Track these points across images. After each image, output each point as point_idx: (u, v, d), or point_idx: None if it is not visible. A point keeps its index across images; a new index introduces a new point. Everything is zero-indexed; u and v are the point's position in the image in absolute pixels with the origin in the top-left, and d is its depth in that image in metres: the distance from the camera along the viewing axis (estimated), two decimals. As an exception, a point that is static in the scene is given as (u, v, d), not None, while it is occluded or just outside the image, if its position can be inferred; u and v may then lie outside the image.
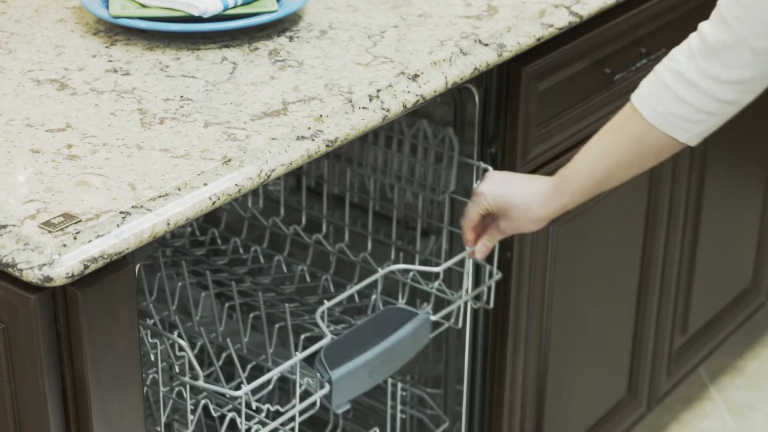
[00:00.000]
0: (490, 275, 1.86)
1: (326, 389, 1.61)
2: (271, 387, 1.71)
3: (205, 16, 1.71)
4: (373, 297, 1.83)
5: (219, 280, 1.97)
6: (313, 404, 1.64)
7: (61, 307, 1.32)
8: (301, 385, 1.62)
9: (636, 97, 1.49)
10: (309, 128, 1.51)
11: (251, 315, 1.79)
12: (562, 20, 1.82)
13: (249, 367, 1.73)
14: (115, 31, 1.74)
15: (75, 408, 1.36)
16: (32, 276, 1.27)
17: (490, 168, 1.79)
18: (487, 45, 1.73)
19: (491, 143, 1.83)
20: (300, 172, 2.05)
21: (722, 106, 1.43)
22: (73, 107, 1.55)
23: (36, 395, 1.34)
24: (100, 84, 1.60)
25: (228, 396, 1.57)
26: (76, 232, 1.30)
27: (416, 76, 1.64)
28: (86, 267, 1.29)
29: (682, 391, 2.64)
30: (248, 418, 1.63)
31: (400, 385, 2.07)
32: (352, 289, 1.71)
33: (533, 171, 1.86)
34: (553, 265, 1.98)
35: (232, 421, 1.64)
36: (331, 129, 1.53)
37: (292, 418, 1.62)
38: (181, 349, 1.53)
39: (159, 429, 1.62)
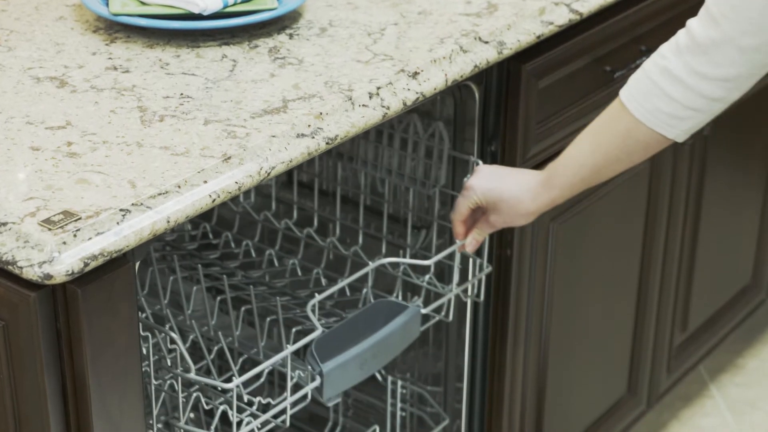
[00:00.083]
0: (481, 268, 1.86)
1: (317, 382, 1.62)
2: (262, 380, 1.72)
3: (205, 13, 1.71)
4: (364, 290, 1.84)
5: (211, 274, 1.97)
6: (305, 397, 1.65)
7: (61, 304, 1.32)
8: (292, 378, 1.63)
9: (624, 93, 1.49)
10: (309, 126, 1.51)
11: (243, 309, 1.79)
12: (562, 18, 1.82)
13: (240, 360, 1.73)
14: (115, 28, 1.74)
15: (75, 405, 1.36)
16: (32, 273, 1.27)
17: (480, 162, 1.79)
18: (487, 42, 1.73)
19: (491, 141, 1.83)
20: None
21: (709, 103, 1.44)
22: (73, 105, 1.55)
23: (36, 393, 1.34)
24: (100, 81, 1.60)
25: (219, 389, 1.57)
26: (76, 230, 1.30)
27: (416, 73, 1.64)
28: (86, 264, 1.29)
29: (682, 389, 2.64)
30: (240, 411, 1.64)
31: (400, 382, 2.07)
32: (342, 283, 1.72)
33: (533, 168, 1.86)
34: (553, 262, 1.98)
35: (225, 415, 1.64)
36: (331, 126, 1.53)
37: (284, 411, 1.63)
38: (172, 342, 1.54)
39: (151, 422, 1.62)
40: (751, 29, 1.37)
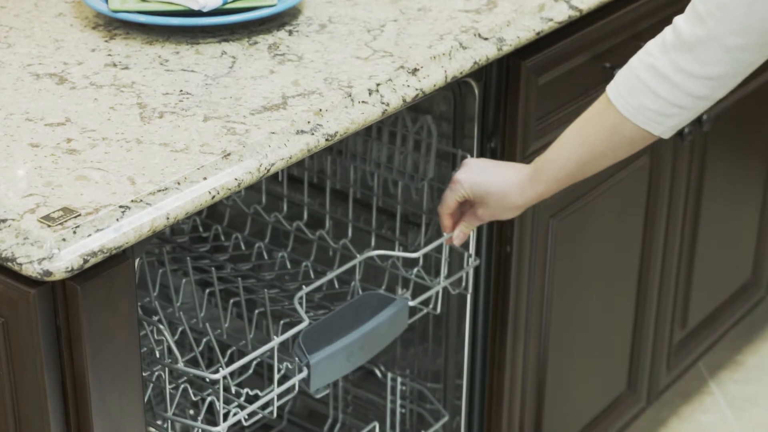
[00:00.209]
0: (468, 262, 1.87)
1: (304, 373, 1.63)
2: (250, 372, 1.73)
3: (205, 10, 1.71)
4: (353, 283, 1.84)
5: (200, 266, 1.98)
6: (292, 388, 1.65)
7: (60, 301, 1.32)
8: (279, 370, 1.63)
9: (611, 89, 1.50)
10: (308, 122, 1.51)
11: (231, 301, 1.80)
12: (561, 14, 1.82)
13: (229, 352, 1.74)
14: (115, 25, 1.74)
15: (74, 402, 1.36)
16: (32, 270, 1.27)
17: (468, 155, 1.80)
18: (486, 39, 1.73)
19: (491, 137, 1.83)
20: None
21: (695, 101, 1.44)
22: (73, 101, 1.54)
23: (35, 390, 1.34)
24: (99, 78, 1.60)
25: (207, 380, 1.58)
26: (76, 227, 1.30)
27: (416, 70, 1.64)
28: (86, 261, 1.29)
29: (682, 386, 2.64)
30: (228, 402, 1.65)
31: (399, 379, 2.07)
32: (330, 275, 1.73)
33: (533, 165, 1.87)
34: (552, 258, 1.98)
35: (214, 407, 1.65)
36: (330, 123, 1.53)
37: (271, 402, 1.64)
38: (160, 333, 1.54)
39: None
40: (736, 28, 1.37)
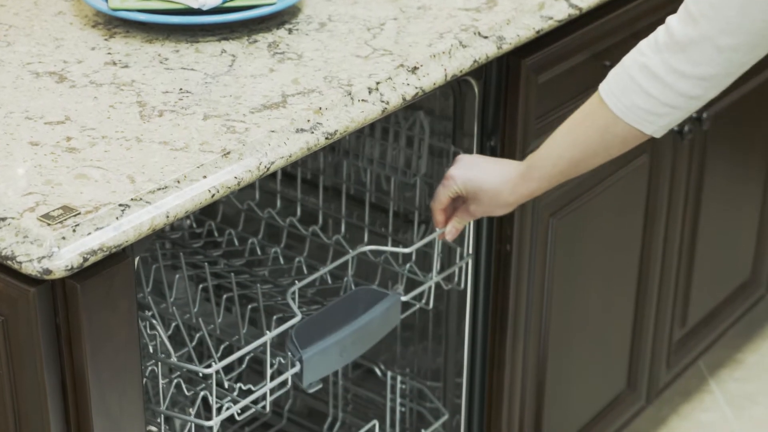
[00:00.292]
0: (461, 257, 1.87)
1: (297, 368, 1.63)
2: (243, 366, 1.73)
3: (204, 8, 1.71)
4: (346, 279, 1.85)
5: (193, 262, 1.98)
6: (285, 383, 1.66)
7: (60, 299, 1.31)
8: (272, 365, 1.64)
9: (603, 87, 1.50)
10: (308, 121, 1.51)
11: (224, 296, 1.80)
12: (561, 13, 1.82)
13: (222, 347, 1.74)
14: (114, 23, 1.74)
15: (74, 400, 1.36)
16: (31, 269, 1.27)
17: (461, 151, 1.80)
18: (486, 37, 1.73)
19: (491, 136, 1.83)
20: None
21: (687, 100, 1.45)
22: (72, 100, 1.54)
23: (35, 388, 1.34)
24: (99, 76, 1.60)
25: (201, 374, 1.58)
26: (76, 225, 1.30)
27: (415, 68, 1.64)
28: (85, 260, 1.29)
29: (682, 384, 2.64)
30: (221, 397, 1.65)
31: (399, 378, 2.08)
32: (323, 270, 1.74)
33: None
34: (552, 257, 1.98)
35: (207, 402, 1.65)
36: (330, 121, 1.53)
37: (264, 397, 1.64)
38: (152, 328, 1.55)
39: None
40: (729, 28, 1.37)
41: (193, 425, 1.61)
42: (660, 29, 1.44)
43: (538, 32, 1.78)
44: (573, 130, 1.55)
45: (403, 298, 1.78)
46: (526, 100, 1.81)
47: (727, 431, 2.57)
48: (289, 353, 1.64)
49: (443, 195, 1.69)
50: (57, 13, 1.78)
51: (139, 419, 1.42)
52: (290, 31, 1.73)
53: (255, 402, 1.65)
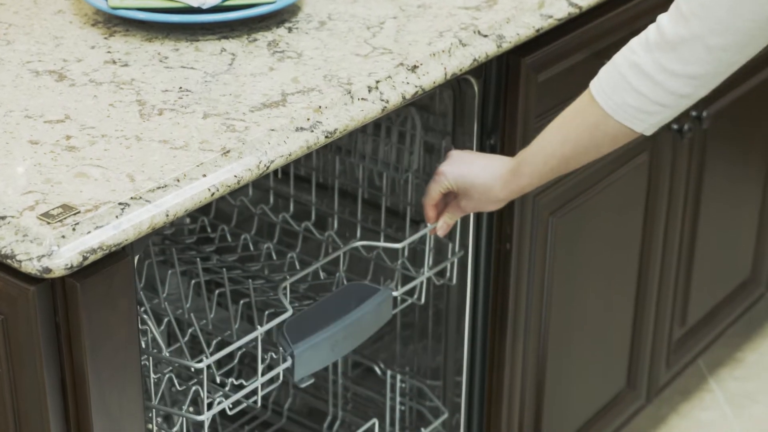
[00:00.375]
0: (453, 252, 1.87)
1: (288, 362, 1.64)
2: (236, 361, 1.74)
3: (204, 7, 1.71)
4: (338, 274, 1.85)
5: (186, 258, 1.98)
6: (277, 377, 1.66)
7: (60, 298, 1.31)
8: (264, 360, 1.64)
9: (594, 85, 1.50)
10: (308, 119, 1.51)
11: (217, 292, 1.80)
12: (561, 11, 1.82)
13: (214, 342, 1.75)
14: (114, 22, 1.74)
15: (74, 399, 1.36)
16: (31, 267, 1.27)
17: (453, 147, 1.81)
18: (486, 36, 1.73)
19: (490, 134, 1.83)
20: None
21: (677, 99, 1.45)
22: (72, 98, 1.54)
23: (35, 387, 1.34)
24: (98, 75, 1.60)
25: (192, 369, 1.59)
26: (75, 224, 1.30)
27: (415, 67, 1.64)
28: (85, 258, 1.28)
29: (681, 383, 2.64)
30: (213, 392, 1.66)
31: (399, 376, 2.08)
32: (315, 265, 1.75)
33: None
34: (552, 256, 1.98)
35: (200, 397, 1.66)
36: (330, 120, 1.53)
37: (255, 392, 1.64)
38: (144, 323, 1.55)
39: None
40: (719, 28, 1.38)
41: (185, 420, 1.62)
42: (651, 27, 1.44)
43: (537, 31, 1.78)
44: (564, 127, 1.56)
45: (395, 294, 1.78)
46: (526, 99, 1.81)
47: (727, 430, 2.57)
48: (281, 348, 1.65)
49: (434, 191, 1.70)
50: (57, 12, 1.77)
51: (139, 417, 1.42)
52: (290, 29, 1.73)
53: (247, 397, 1.66)
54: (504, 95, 1.81)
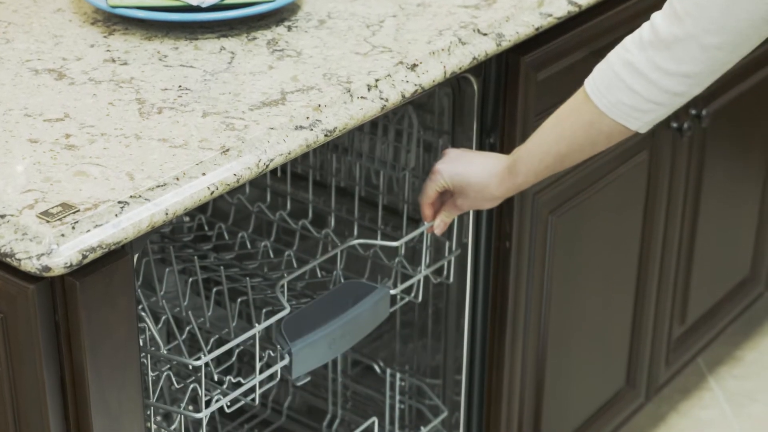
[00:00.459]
0: (450, 251, 1.88)
1: (286, 360, 1.64)
2: (233, 359, 1.74)
3: (203, 5, 1.71)
4: (335, 272, 1.85)
5: (183, 256, 1.98)
6: (275, 375, 1.67)
7: (59, 296, 1.31)
8: (262, 357, 1.65)
9: (589, 83, 1.51)
10: (307, 118, 1.51)
11: (214, 290, 1.81)
12: (561, 10, 1.82)
13: (212, 340, 1.75)
14: (113, 20, 1.74)
15: (74, 398, 1.36)
16: (30, 266, 1.27)
17: (449, 146, 1.81)
18: (485, 35, 1.73)
19: (490, 133, 1.83)
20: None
21: (671, 97, 1.45)
22: (71, 97, 1.54)
23: (34, 385, 1.34)
24: (98, 74, 1.60)
25: (191, 367, 1.59)
26: (75, 222, 1.30)
27: (415, 65, 1.64)
28: (84, 257, 1.28)
29: (681, 381, 2.64)
30: (211, 389, 1.66)
31: (398, 375, 2.08)
32: (312, 263, 1.75)
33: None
34: (551, 254, 1.98)
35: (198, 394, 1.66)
36: (329, 119, 1.53)
37: (254, 389, 1.64)
38: (142, 321, 1.55)
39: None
40: (713, 28, 1.38)
41: (184, 418, 1.62)
42: (645, 26, 1.45)
43: (537, 29, 1.78)
44: (559, 125, 1.56)
45: (392, 292, 1.79)
46: (525, 98, 1.81)
47: (726, 428, 2.57)
48: (279, 346, 1.65)
49: (430, 189, 1.70)
50: (56, 10, 1.77)
51: (139, 416, 1.42)
52: (289, 28, 1.73)
53: (245, 395, 1.66)
54: (503, 94, 1.81)
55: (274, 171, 2.06)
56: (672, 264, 2.33)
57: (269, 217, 1.99)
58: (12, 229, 1.29)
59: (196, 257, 1.75)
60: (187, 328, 1.73)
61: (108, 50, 1.66)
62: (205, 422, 1.60)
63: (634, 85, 1.45)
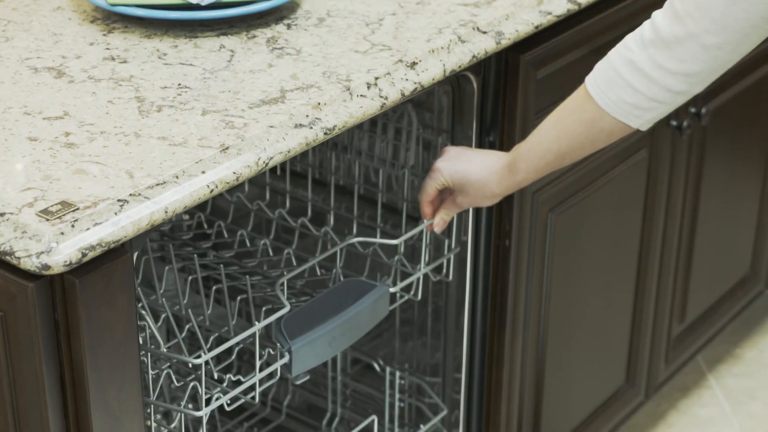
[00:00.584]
0: (449, 249, 1.88)
1: (286, 358, 1.64)
2: (233, 357, 1.74)
3: (203, 3, 1.71)
4: (335, 270, 1.85)
5: (182, 254, 1.98)
6: (275, 373, 1.67)
7: (59, 295, 1.31)
8: (262, 356, 1.65)
9: (590, 81, 1.51)
10: (307, 116, 1.51)
11: (214, 288, 1.81)
12: (560, 8, 1.82)
13: (212, 338, 1.75)
14: (113, 18, 1.74)
15: (73, 396, 1.36)
16: (30, 264, 1.27)
17: (448, 144, 1.81)
18: (485, 33, 1.73)
19: (489, 131, 1.83)
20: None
21: (672, 95, 1.46)
22: (71, 95, 1.54)
23: (34, 383, 1.34)
24: (97, 72, 1.60)
25: (190, 365, 1.59)
26: (74, 220, 1.29)
27: (414, 63, 1.64)
28: (84, 255, 1.28)
29: (681, 380, 2.64)
30: (211, 388, 1.66)
31: (398, 373, 2.08)
32: (311, 261, 1.75)
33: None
34: (551, 252, 1.98)
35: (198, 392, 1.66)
36: (329, 117, 1.53)
37: (253, 388, 1.65)
38: (141, 319, 1.55)
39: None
40: (713, 28, 1.38)
41: (184, 416, 1.62)
42: (646, 24, 1.45)
43: (537, 27, 1.78)
44: (559, 122, 1.56)
45: (392, 290, 1.79)
46: (525, 96, 1.81)
47: (726, 426, 2.58)
48: (278, 344, 1.65)
49: (430, 187, 1.70)
50: (56, 9, 1.77)
51: (138, 414, 1.42)
52: (289, 26, 1.73)
53: (245, 393, 1.66)
54: (503, 92, 1.81)
55: (273, 169, 2.06)
56: (671, 262, 2.33)
57: (269, 215, 1.99)
58: (11, 228, 1.29)
59: (195, 255, 1.75)
60: (187, 327, 1.73)
61: (107, 48, 1.66)
62: (205, 420, 1.60)
63: (636, 84, 1.45)
